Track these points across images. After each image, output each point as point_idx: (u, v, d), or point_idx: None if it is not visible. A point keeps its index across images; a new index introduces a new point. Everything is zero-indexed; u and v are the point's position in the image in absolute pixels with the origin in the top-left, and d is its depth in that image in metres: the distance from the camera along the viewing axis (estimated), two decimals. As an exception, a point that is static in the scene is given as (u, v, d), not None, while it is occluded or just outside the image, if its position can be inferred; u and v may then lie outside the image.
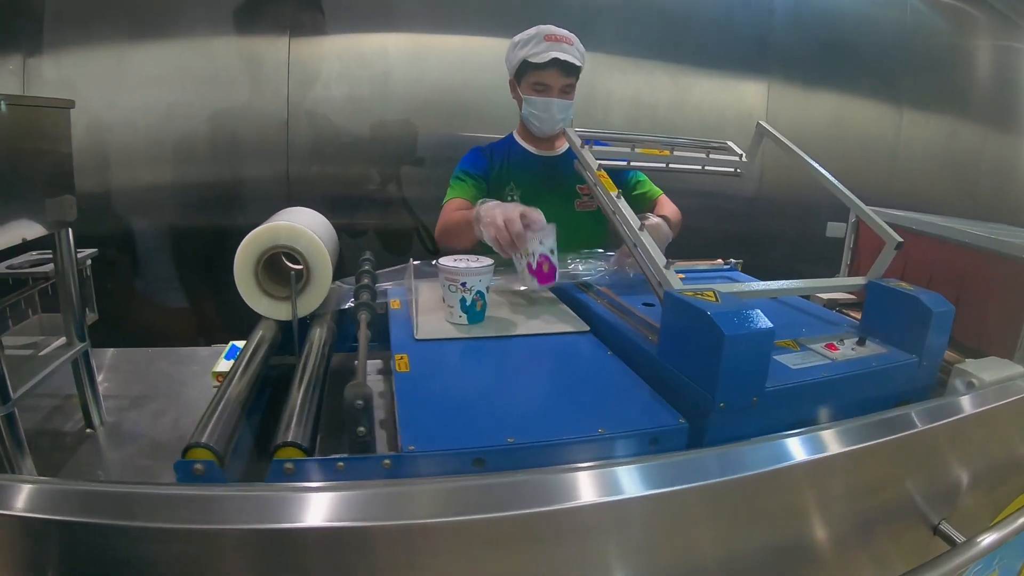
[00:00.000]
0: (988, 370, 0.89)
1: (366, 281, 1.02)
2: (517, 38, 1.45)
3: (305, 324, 0.97)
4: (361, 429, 0.64)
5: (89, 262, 1.09)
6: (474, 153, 1.57)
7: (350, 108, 1.98)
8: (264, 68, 1.88)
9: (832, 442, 0.65)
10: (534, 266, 1.04)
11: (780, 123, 2.39)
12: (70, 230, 0.92)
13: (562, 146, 1.58)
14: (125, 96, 1.78)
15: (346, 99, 1.97)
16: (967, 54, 2.58)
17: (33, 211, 0.87)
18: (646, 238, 0.91)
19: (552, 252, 1.05)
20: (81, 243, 0.99)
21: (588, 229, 1.52)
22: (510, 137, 1.60)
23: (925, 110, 2.54)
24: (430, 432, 0.66)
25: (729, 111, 2.35)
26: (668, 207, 1.57)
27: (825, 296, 1.31)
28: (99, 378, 1.06)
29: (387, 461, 0.62)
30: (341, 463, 0.62)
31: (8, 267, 1.04)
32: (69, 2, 1.69)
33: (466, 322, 0.96)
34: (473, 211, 1.12)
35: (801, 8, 2.37)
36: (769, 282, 0.95)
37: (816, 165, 1.15)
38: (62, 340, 0.97)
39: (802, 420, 0.74)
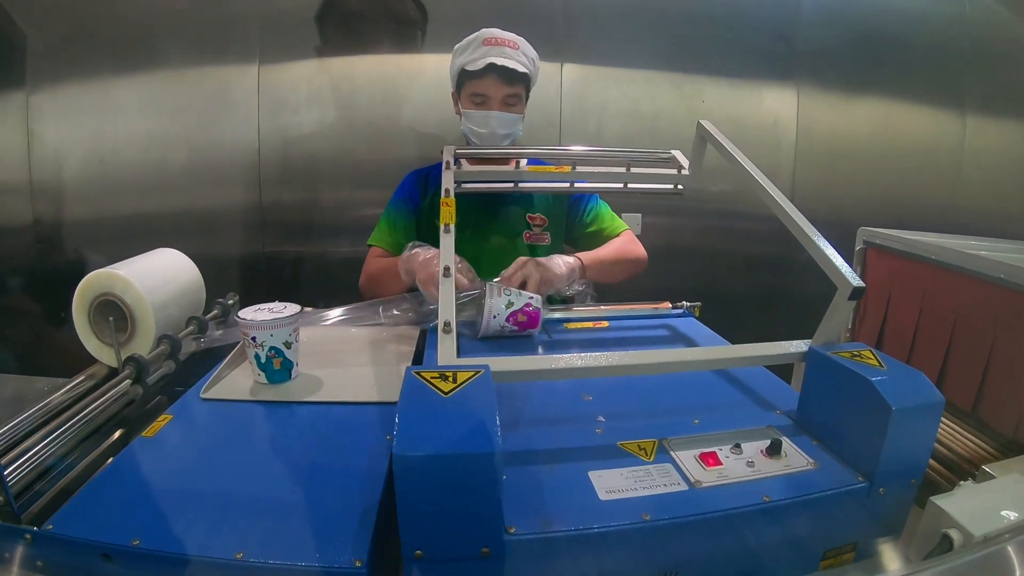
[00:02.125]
0: (991, 503, 0.62)
1: (169, 333, 0.95)
2: (457, 45, 1.32)
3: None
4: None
5: None
6: (406, 182, 1.43)
7: (319, 133, 1.95)
8: (234, 96, 1.88)
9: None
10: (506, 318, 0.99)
11: (815, 134, 2.09)
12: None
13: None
14: (111, 126, 1.84)
15: (315, 124, 1.94)
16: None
17: None
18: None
19: (532, 299, 1.01)
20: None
21: None
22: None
23: (995, 114, 2.12)
24: (84, 510, 0.58)
25: (749, 120, 2.05)
26: (613, 245, 1.36)
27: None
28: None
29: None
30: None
31: None
32: (56, 38, 1.79)
33: (265, 381, 0.86)
34: (398, 262, 1.11)
35: (833, -1, 2.05)
36: (627, 353, 0.67)
37: (753, 171, 0.89)
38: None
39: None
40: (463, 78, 1.30)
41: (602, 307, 1.15)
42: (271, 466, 0.68)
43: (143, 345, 0.94)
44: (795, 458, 0.63)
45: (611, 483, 0.58)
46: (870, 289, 1.17)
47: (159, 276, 1.00)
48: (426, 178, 1.42)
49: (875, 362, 0.65)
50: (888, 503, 0.63)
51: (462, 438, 0.50)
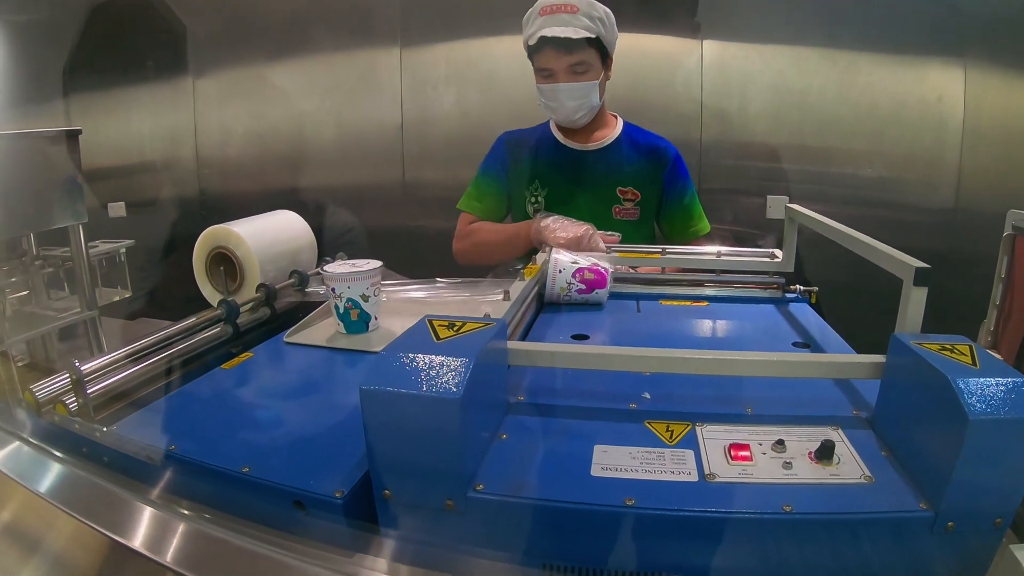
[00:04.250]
0: None
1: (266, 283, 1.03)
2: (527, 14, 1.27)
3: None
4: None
5: (123, 250, 1.36)
6: (497, 146, 1.42)
7: (459, 112, 2.04)
8: (379, 77, 2.05)
9: None
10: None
11: (985, 114, 1.82)
12: (80, 227, 1.19)
13: (604, 138, 1.34)
14: (268, 107, 2.12)
15: (455, 103, 2.04)
16: None
17: (49, 213, 1.14)
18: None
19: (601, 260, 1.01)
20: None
21: (628, 241, 1.28)
22: (545, 125, 1.40)
23: None
24: (147, 420, 0.68)
25: (909, 98, 1.81)
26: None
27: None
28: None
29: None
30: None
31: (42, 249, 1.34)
32: (216, 28, 2.09)
33: (343, 331, 0.92)
34: (518, 231, 1.19)
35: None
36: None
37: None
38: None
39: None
40: (529, 53, 1.27)
41: (706, 283, 1.06)
42: (316, 403, 0.74)
43: (249, 294, 1.03)
44: (849, 467, 0.53)
45: (613, 460, 0.53)
46: (1017, 282, 0.97)
47: (271, 234, 1.11)
48: (516, 143, 1.41)
49: (968, 359, 0.52)
50: (959, 544, 0.50)
51: (428, 381, 0.49)
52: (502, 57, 1.99)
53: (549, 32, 1.19)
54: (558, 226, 1.11)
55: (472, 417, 0.50)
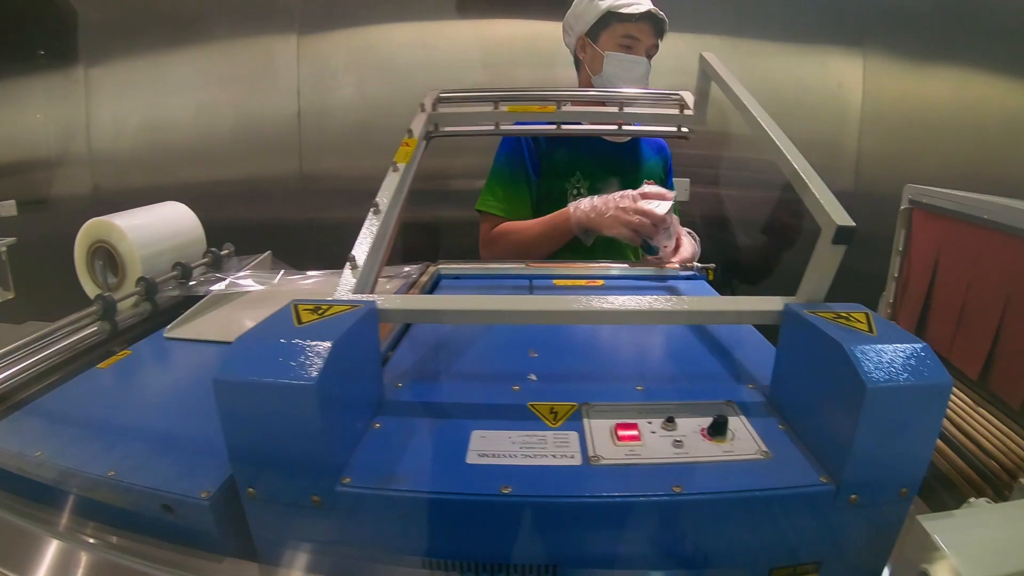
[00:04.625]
0: (1005, 535, 0.45)
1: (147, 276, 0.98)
2: None
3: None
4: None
5: (4, 249, 1.29)
6: (515, 141, 1.31)
7: (359, 101, 1.97)
8: (276, 65, 1.96)
9: None
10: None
11: (884, 101, 1.90)
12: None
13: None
14: (163, 98, 2.02)
15: (355, 92, 1.96)
16: None
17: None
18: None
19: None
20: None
21: None
22: None
23: None
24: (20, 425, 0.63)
25: (809, 83, 1.92)
26: None
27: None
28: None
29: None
30: None
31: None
32: (109, 15, 1.98)
33: None
34: (568, 221, 1.12)
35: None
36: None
37: (752, 107, 0.73)
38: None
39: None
40: (609, 20, 1.26)
41: (600, 264, 1.04)
42: (192, 399, 0.68)
43: (131, 289, 0.97)
44: (744, 443, 0.49)
45: (491, 446, 0.49)
46: (914, 255, 0.98)
47: (156, 227, 1.04)
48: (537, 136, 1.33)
49: (864, 326, 0.49)
50: (865, 516, 0.47)
51: (283, 367, 0.45)
52: (403, 44, 1.93)
53: (653, 10, 1.25)
54: (600, 203, 1.08)
55: (334, 405, 0.46)
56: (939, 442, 0.71)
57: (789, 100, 1.94)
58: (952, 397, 0.83)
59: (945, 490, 0.64)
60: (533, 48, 1.93)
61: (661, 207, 0.98)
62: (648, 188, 1.04)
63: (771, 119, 0.68)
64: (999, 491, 0.60)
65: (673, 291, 0.95)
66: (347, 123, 2.01)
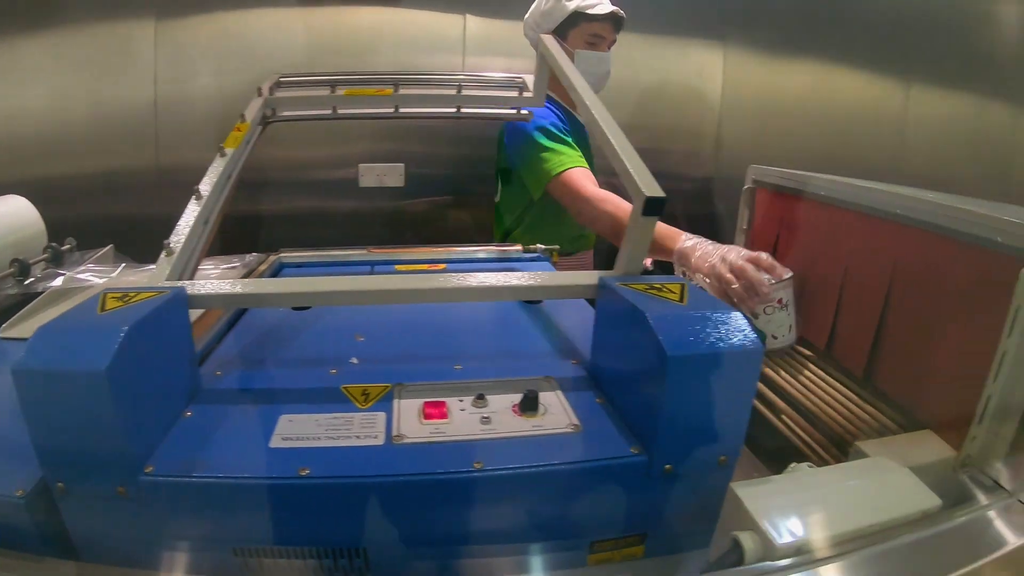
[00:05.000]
0: (814, 499, 0.47)
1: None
2: None
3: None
4: None
5: None
6: (548, 115, 1.30)
7: (218, 89, 1.87)
8: (133, 51, 1.85)
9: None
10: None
11: (743, 90, 1.99)
12: None
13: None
14: (15, 88, 1.85)
15: (213, 80, 1.87)
16: (993, 17, 2.03)
17: None
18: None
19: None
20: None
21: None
22: (557, 104, 1.36)
23: (940, 81, 2.05)
24: None
25: (671, 71, 1.99)
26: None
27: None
28: None
29: None
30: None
31: None
32: None
33: None
34: (672, 245, 0.96)
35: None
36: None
37: (579, 84, 0.75)
38: None
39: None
40: (577, 19, 1.35)
41: (444, 248, 1.03)
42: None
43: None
44: (556, 417, 0.48)
45: (297, 429, 0.49)
46: (756, 233, 1.01)
47: None
48: (557, 114, 1.34)
49: (676, 296, 0.48)
50: (686, 486, 0.46)
51: (76, 355, 0.44)
52: (265, 29, 1.86)
53: (615, 10, 1.36)
54: (711, 247, 0.94)
55: (133, 393, 0.46)
56: (789, 409, 0.71)
57: (653, 89, 1.98)
58: (803, 367, 0.83)
59: (796, 457, 0.63)
60: (400, 34, 1.90)
61: (777, 287, 0.83)
62: (764, 256, 0.87)
63: (596, 98, 0.68)
64: (842, 454, 0.59)
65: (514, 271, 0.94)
66: (206, 112, 1.90)
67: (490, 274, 0.54)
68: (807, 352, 0.87)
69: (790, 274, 0.80)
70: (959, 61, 2.07)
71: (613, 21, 1.37)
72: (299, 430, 0.48)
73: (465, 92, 1.00)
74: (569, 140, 1.29)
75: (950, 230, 0.62)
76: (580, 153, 1.29)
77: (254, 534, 0.47)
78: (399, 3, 1.88)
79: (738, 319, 0.47)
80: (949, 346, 0.62)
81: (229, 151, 0.74)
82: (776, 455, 0.70)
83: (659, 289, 0.49)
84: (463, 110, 1.02)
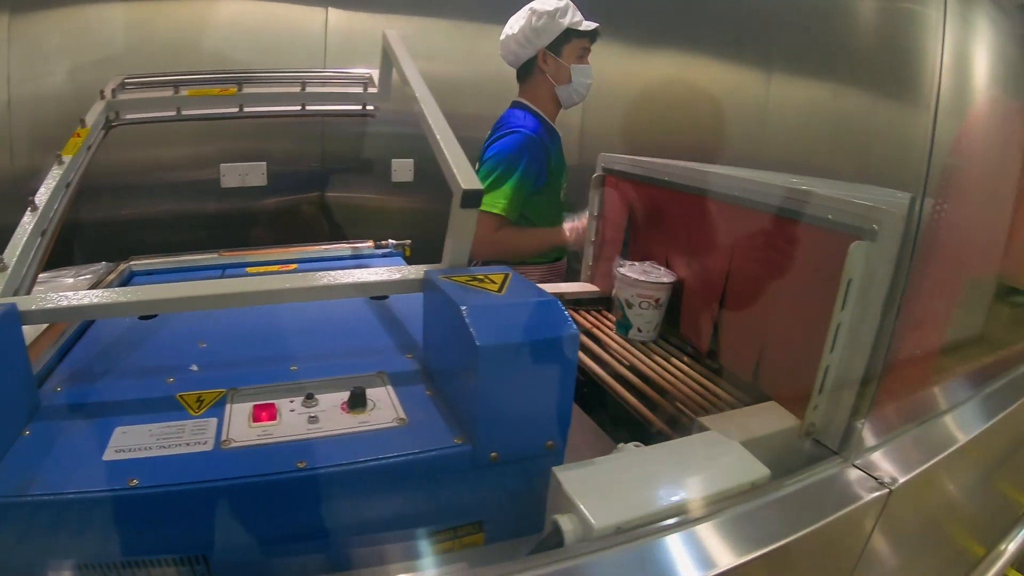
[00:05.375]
0: (637, 479, 0.47)
1: None
2: (551, 7, 1.42)
3: None
4: None
5: None
6: (531, 148, 1.38)
7: (74, 89, 1.73)
8: None
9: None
10: None
11: (606, 85, 1.89)
12: None
13: None
14: None
15: (68, 79, 1.74)
16: (849, 6, 2.10)
17: None
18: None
19: None
20: None
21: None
22: (536, 116, 1.45)
23: (799, 69, 2.18)
24: None
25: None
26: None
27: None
28: None
29: None
30: None
31: None
32: None
33: None
34: (562, 237, 1.36)
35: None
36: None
37: (414, 81, 0.76)
38: None
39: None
40: (569, 36, 1.43)
41: (295, 248, 1.04)
42: None
43: None
44: (383, 413, 0.49)
45: (131, 441, 0.49)
46: (607, 219, 1.05)
47: None
48: (541, 139, 1.41)
49: (496, 287, 0.49)
50: (517, 472, 0.48)
51: None
52: (123, 24, 1.76)
53: (597, 26, 1.44)
54: (580, 224, 1.28)
55: (-44, 416, 0.46)
56: (649, 389, 0.72)
57: (513, 80, 1.98)
58: (662, 348, 0.85)
59: (658, 437, 0.65)
60: (259, 29, 1.82)
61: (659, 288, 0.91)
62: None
63: (429, 94, 0.69)
64: (686, 431, 0.61)
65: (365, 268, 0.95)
66: (62, 113, 1.73)
67: (321, 273, 0.55)
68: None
69: (673, 278, 0.85)
70: (817, 49, 2.18)
71: (595, 38, 1.47)
72: (133, 441, 0.49)
73: (310, 89, 1.00)
74: (530, 181, 1.35)
75: (785, 210, 0.64)
76: (522, 199, 1.35)
77: (96, 549, 0.47)
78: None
79: (555, 307, 0.48)
80: (790, 322, 0.64)
81: (67, 159, 0.73)
82: (636, 435, 0.72)
83: (481, 280, 0.50)
84: (308, 107, 1.02)
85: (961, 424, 0.70)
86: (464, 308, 0.46)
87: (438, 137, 0.59)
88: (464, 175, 0.52)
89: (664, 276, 0.84)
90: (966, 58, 0.79)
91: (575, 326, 0.47)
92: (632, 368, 0.78)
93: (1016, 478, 0.84)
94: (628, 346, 0.84)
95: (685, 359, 0.80)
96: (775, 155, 2.15)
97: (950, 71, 0.73)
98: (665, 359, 0.80)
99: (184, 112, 0.99)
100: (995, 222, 0.77)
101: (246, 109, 1.01)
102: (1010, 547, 0.72)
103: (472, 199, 0.53)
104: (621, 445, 0.51)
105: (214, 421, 0.50)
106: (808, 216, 0.60)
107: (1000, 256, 0.80)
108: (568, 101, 1.48)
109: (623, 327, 0.86)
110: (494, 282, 0.50)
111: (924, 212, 0.57)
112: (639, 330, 0.85)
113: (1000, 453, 0.77)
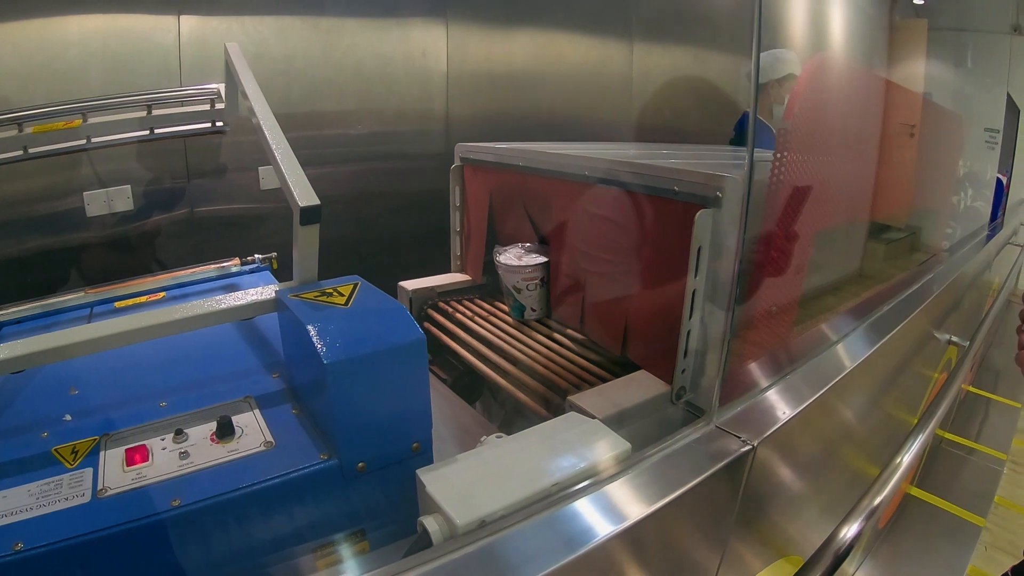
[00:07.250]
0: (497, 470, 0.50)
1: None
2: (782, 55, 1.37)
3: None
4: None
5: None
6: None
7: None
8: None
9: None
10: None
11: (468, 63, 2.07)
12: None
13: None
14: None
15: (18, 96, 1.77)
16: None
17: None
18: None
19: None
20: None
21: None
22: None
23: (659, 37, 2.28)
24: None
25: (396, 55, 1.97)
26: None
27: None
28: None
29: None
30: None
31: None
32: None
33: None
34: None
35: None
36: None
37: (252, 93, 0.78)
38: None
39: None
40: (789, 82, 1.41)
41: (162, 276, 1.03)
42: None
43: None
44: (251, 439, 0.52)
45: (11, 504, 0.50)
46: (471, 207, 1.05)
47: None
48: None
49: (343, 300, 0.51)
50: (388, 478, 0.51)
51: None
52: (69, 43, 1.73)
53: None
54: None
55: None
56: (523, 375, 0.75)
57: (374, 73, 1.95)
58: (534, 332, 0.88)
59: (530, 419, 0.68)
60: (113, 47, 1.65)
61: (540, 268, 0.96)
62: None
63: (268, 110, 0.70)
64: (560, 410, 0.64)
65: (233, 288, 0.95)
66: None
67: (178, 307, 0.57)
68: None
69: (547, 255, 0.89)
70: (676, 17, 2.29)
71: None
72: (13, 504, 0.50)
73: (157, 112, 1.00)
74: None
75: (635, 185, 0.66)
76: None
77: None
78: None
79: (401, 314, 0.50)
80: (651, 292, 0.68)
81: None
82: (517, 418, 0.75)
83: (329, 294, 0.52)
84: (157, 131, 1.02)
85: (847, 355, 0.74)
86: (310, 327, 0.48)
87: (277, 155, 0.60)
88: (302, 192, 0.54)
89: (539, 255, 0.89)
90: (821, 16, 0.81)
91: (420, 331, 0.50)
92: (504, 354, 0.81)
93: (904, 400, 0.89)
94: (504, 333, 0.88)
95: (567, 336, 0.83)
96: (645, 123, 2.22)
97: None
98: (548, 337, 0.83)
99: (31, 151, 0.98)
100: (858, 171, 0.81)
101: (93, 140, 1.00)
102: (905, 459, 0.77)
103: (311, 215, 0.54)
104: (484, 437, 0.54)
105: (90, 471, 0.52)
106: (656, 189, 0.63)
107: (870, 200, 0.83)
108: None
109: (518, 310, 0.90)
110: (342, 295, 0.52)
111: (763, 175, 0.60)
112: (532, 310, 0.89)
113: (884, 378, 0.82)
